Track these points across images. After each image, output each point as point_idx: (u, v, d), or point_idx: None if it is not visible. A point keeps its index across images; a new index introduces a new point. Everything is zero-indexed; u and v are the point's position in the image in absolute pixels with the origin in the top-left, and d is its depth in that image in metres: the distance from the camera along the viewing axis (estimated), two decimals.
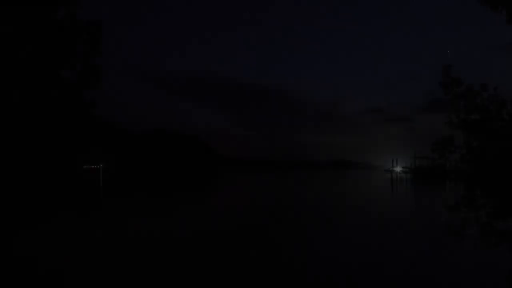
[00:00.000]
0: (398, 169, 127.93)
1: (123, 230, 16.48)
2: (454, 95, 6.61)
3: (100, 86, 3.06)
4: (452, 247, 13.50)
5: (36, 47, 2.84)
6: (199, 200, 32.27)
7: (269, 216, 21.61)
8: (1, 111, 3.21)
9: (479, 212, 6.52)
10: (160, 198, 34.30)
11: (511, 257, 11.36)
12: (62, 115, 2.98)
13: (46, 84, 2.92)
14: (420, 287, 9.32)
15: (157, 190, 44.21)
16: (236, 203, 29.50)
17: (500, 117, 6.33)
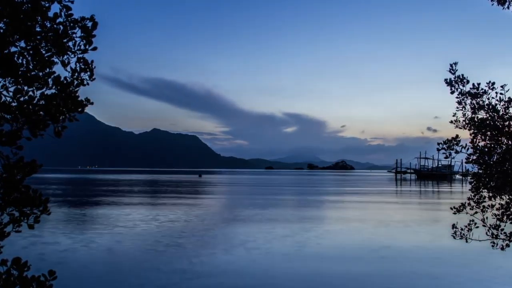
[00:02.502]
0: None
1: None
2: (460, 93, 6.58)
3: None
4: (458, 250, 13.45)
5: (29, 43, 2.81)
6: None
7: None
8: None
9: (486, 213, 6.49)
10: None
11: None
12: (58, 113, 2.94)
13: (40, 80, 2.89)
14: None
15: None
16: None
17: (508, 115, 6.29)
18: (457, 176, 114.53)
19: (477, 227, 6.50)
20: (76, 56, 2.98)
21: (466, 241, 6.50)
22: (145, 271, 11.03)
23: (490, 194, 6.34)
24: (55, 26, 2.89)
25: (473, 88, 6.48)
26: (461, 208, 6.55)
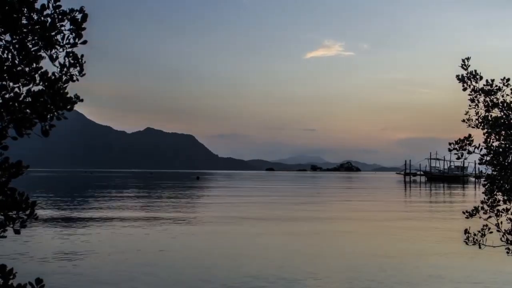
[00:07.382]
0: None
1: None
2: (473, 90, 6.56)
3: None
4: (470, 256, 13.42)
5: (14, 36, 2.80)
6: None
7: None
8: None
9: (501, 218, 6.46)
10: None
11: None
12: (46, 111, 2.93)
13: (26, 76, 2.88)
14: None
15: None
16: None
17: None
18: (470, 178, 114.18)
19: (491, 232, 6.48)
20: (65, 50, 2.97)
21: (479, 247, 6.48)
22: None
23: (505, 197, 6.31)
24: (42, 18, 2.88)
25: (487, 85, 6.46)
26: (474, 212, 6.52)
